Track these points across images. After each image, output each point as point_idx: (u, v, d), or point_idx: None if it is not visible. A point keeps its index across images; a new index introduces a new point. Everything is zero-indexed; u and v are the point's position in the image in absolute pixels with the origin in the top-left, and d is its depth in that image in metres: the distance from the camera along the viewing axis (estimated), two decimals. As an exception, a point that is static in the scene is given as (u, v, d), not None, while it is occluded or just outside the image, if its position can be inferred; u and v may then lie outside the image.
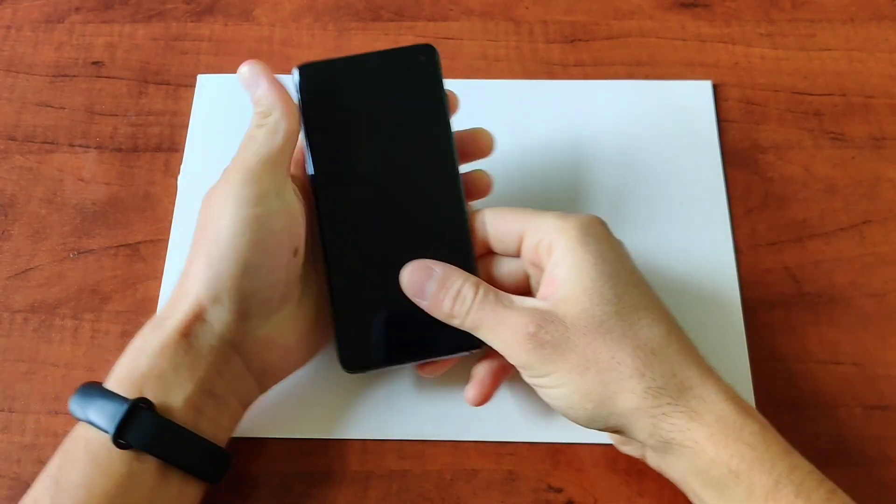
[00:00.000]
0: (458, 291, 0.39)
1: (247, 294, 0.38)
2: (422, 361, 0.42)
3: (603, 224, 0.39)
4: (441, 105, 0.42)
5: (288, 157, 0.39)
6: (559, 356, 0.36)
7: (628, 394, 0.35)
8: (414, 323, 0.41)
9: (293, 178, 0.41)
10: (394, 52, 0.42)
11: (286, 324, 0.40)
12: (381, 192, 0.41)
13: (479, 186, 0.43)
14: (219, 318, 0.38)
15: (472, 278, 0.39)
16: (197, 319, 0.37)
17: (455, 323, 0.39)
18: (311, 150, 0.41)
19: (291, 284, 0.40)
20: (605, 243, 0.38)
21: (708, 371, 0.36)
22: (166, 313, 0.38)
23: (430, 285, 0.39)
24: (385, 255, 0.41)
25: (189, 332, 0.37)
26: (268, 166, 0.38)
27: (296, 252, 0.40)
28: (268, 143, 0.38)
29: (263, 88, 0.39)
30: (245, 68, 0.40)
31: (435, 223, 0.41)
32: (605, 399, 0.36)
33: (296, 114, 0.39)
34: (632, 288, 0.37)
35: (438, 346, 0.41)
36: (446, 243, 0.41)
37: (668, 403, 0.35)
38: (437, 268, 0.40)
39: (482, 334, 0.38)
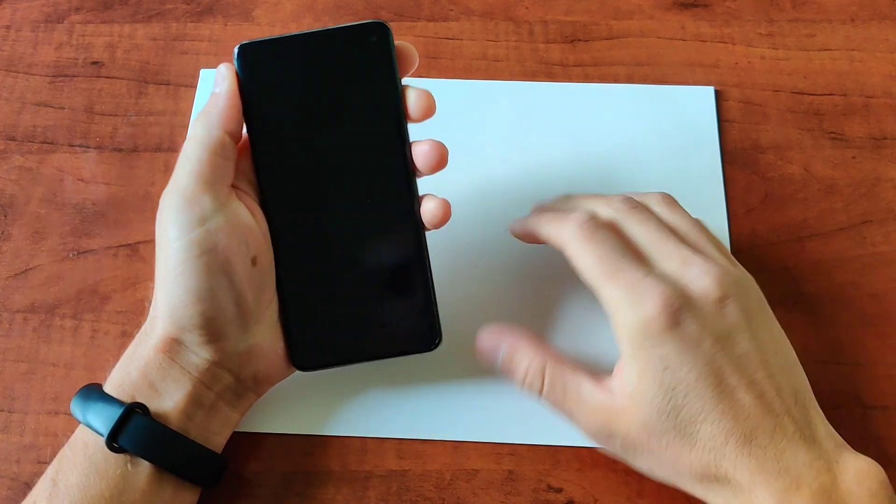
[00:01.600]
0: (525, 375, 0.39)
1: (209, 318, 0.37)
2: (376, 360, 0.42)
3: (671, 314, 0.36)
4: (393, 88, 0.39)
5: (225, 168, 0.38)
6: (624, 450, 0.38)
7: (686, 479, 0.37)
8: (368, 320, 0.41)
9: (248, 181, 0.40)
10: (342, 30, 0.39)
11: (270, 331, 0.40)
12: (326, 182, 0.40)
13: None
14: (193, 343, 0.38)
15: (538, 359, 0.39)
16: (173, 342, 0.38)
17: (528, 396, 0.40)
18: (250, 139, 0.40)
19: (260, 293, 0.39)
20: (668, 345, 0.36)
21: (763, 466, 0.35)
22: (149, 326, 0.39)
23: (499, 358, 0.40)
24: (335, 248, 0.40)
25: (169, 349, 0.38)
26: (203, 184, 0.37)
27: (255, 261, 0.38)
28: (200, 159, 0.37)
29: (219, 90, 0.39)
30: (223, 68, 0.39)
31: (385, 214, 0.40)
32: (665, 475, 0.38)
33: (231, 126, 0.38)
34: (696, 393, 0.36)
35: (393, 344, 0.41)
36: (397, 237, 0.41)
37: (716, 491, 0.37)
38: (504, 344, 0.40)
39: (556, 411, 0.40)
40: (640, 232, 0.40)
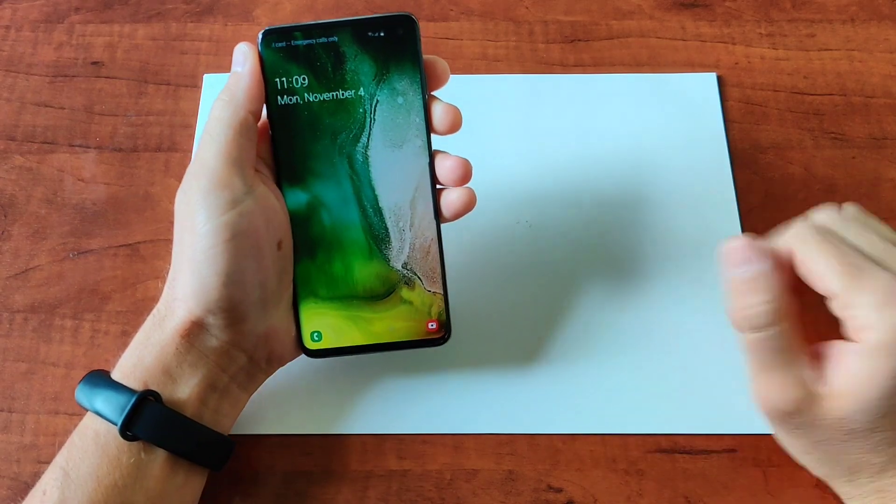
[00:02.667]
0: (754, 309, 0.36)
1: (236, 301, 0.37)
2: (384, 351, 0.41)
3: None
4: (416, 82, 0.39)
5: (250, 149, 0.38)
6: (803, 435, 0.37)
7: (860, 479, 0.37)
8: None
9: (266, 164, 0.40)
10: (368, 21, 0.39)
11: (285, 313, 0.40)
12: (344, 170, 0.40)
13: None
14: (215, 325, 0.38)
15: (776, 302, 0.35)
16: (195, 325, 0.37)
17: (733, 325, 0.37)
18: (271, 123, 0.40)
19: (282, 276, 0.39)
20: None
21: None
22: (165, 310, 0.38)
23: (738, 272, 0.36)
24: (350, 238, 0.40)
25: (189, 333, 0.37)
26: (232, 165, 0.37)
27: (280, 245, 0.39)
28: (228, 140, 0.37)
29: (241, 69, 0.38)
30: (243, 46, 0.39)
31: (401, 206, 0.40)
32: (833, 473, 0.38)
33: (255, 106, 0.38)
34: None
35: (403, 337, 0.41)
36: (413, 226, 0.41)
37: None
38: (757, 263, 0.36)
39: (749, 359, 0.37)
40: (865, 242, 0.37)
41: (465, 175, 0.39)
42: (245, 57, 0.38)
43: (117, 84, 0.53)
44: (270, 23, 0.55)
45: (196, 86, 0.53)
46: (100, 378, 0.37)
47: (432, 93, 0.40)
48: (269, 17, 0.55)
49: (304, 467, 0.42)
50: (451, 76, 0.40)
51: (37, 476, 0.37)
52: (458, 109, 0.39)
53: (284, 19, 0.55)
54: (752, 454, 0.42)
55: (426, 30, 0.55)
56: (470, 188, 0.40)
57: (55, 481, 0.36)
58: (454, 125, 0.39)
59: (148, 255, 0.48)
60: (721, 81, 0.53)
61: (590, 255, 0.47)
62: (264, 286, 0.38)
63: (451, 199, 0.40)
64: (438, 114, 0.39)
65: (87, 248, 0.48)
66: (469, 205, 0.40)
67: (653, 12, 0.55)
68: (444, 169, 0.39)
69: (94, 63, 0.54)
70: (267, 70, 0.39)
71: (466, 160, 0.40)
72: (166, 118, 0.52)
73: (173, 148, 0.51)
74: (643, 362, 0.44)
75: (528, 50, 0.54)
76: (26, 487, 0.38)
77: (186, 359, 0.37)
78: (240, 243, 0.37)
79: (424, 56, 0.39)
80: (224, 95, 0.38)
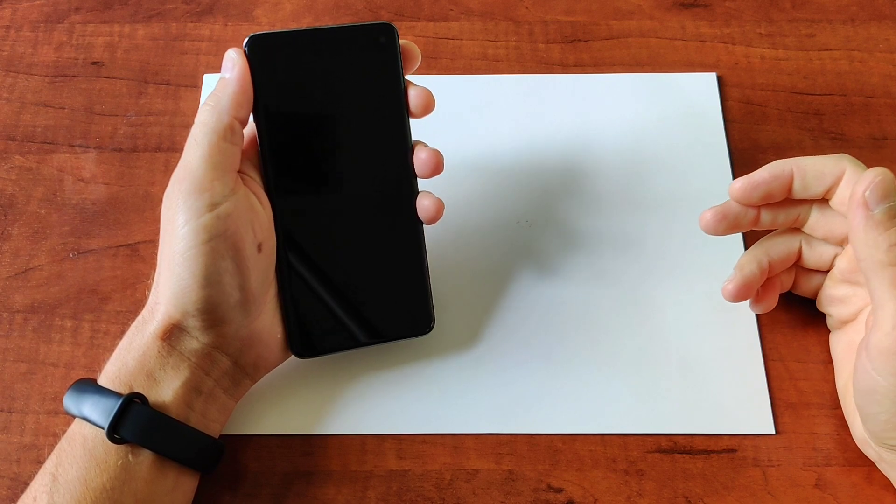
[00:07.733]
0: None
1: (214, 303, 0.37)
2: (371, 346, 0.43)
3: None
4: (397, 87, 0.41)
5: (233, 154, 0.38)
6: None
7: None
8: (365, 308, 0.42)
9: (253, 167, 0.40)
10: (352, 29, 0.41)
11: (269, 317, 0.40)
12: (329, 172, 0.41)
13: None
14: (194, 327, 0.38)
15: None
16: (174, 327, 0.38)
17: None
18: (258, 128, 0.40)
19: (264, 279, 0.40)
20: None
21: None
22: (148, 315, 0.39)
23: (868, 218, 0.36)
24: (335, 236, 0.41)
25: (168, 336, 0.38)
26: (214, 170, 0.37)
27: (260, 247, 0.39)
28: (211, 144, 0.38)
29: (229, 75, 0.39)
30: (232, 52, 0.39)
31: (384, 205, 0.42)
32: None
33: (241, 111, 0.39)
34: None
35: (387, 330, 0.43)
36: (395, 227, 0.42)
37: None
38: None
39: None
40: None
41: (437, 166, 0.41)
42: (233, 63, 0.39)
43: (117, 84, 0.53)
44: (270, 23, 0.55)
45: (196, 86, 0.53)
46: (86, 385, 0.38)
47: (406, 76, 0.42)
48: (270, 16, 0.55)
49: (303, 467, 0.42)
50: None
51: (35, 475, 0.37)
52: (430, 91, 0.41)
53: (284, 19, 0.55)
54: (752, 454, 0.42)
55: (426, 30, 0.55)
56: (438, 198, 0.41)
57: (45, 486, 0.36)
58: (427, 107, 0.41)
59: (148, 255, 0.48)
60: (721, 81, 0.53)
61: (589, 255, 0.47)
62: (244, 288, 0.38)
63: (423, 205, 0.42)
64: (412, 97, 0.41)
65: (87, 248, 0.48)
66: (438, 212, 0.41)
67: (653, 12, 0.56)
68: (419, 161, 0.41)
69: (94, 63, 0.54)
70: (253, 75, 0.40)
71: (437, 151, 0.41)
72: (166, 118, 0.52)
73: (173, 148, 0.51)
74: (643, 362, 0.44)
75: (528, 50, 0.54)
76: (26, 487, 0.38)
77: (168, 361, 0.38)
78: (217, 245, 0.37)
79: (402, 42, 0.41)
80: (210, 101, 0.39)
